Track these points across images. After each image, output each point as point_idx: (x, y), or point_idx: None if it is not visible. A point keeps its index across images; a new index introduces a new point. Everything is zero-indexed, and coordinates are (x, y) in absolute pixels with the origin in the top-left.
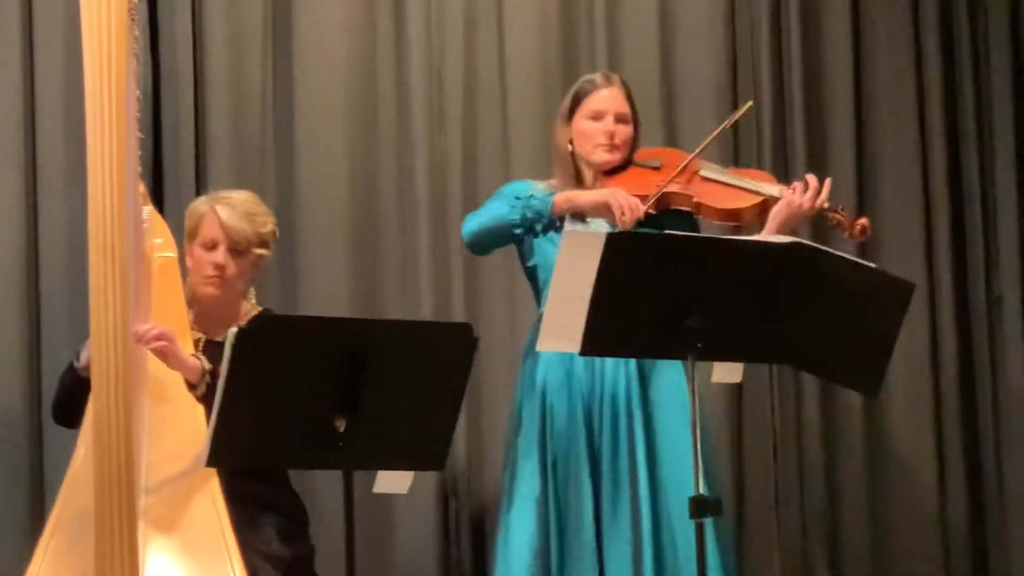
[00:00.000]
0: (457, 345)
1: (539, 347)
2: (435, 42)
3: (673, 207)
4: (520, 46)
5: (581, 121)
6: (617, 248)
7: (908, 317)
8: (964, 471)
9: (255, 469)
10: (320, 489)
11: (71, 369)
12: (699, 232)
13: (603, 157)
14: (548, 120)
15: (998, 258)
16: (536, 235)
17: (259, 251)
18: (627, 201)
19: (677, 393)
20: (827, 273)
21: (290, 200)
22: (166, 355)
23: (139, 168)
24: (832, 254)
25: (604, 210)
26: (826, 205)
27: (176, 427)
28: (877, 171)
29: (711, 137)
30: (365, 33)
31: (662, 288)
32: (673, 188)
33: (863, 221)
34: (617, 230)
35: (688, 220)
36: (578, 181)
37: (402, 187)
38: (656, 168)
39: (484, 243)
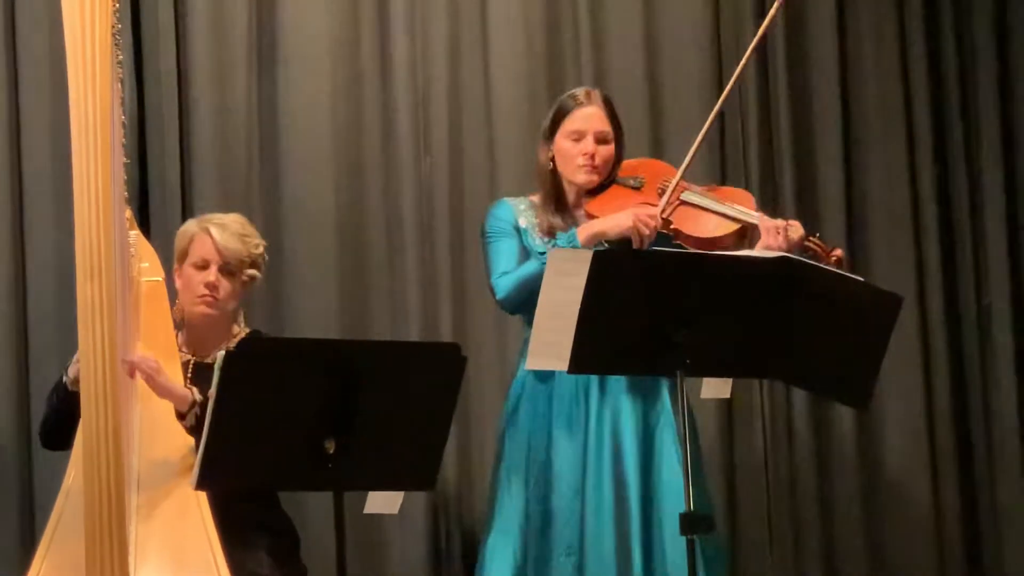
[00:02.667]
0: (446, 365)
1: (527, 366)
2: (420, 64)
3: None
4: (505, 68)
5: (562, 141)
6: (604, 265)
7: (898, 329)
8: (957, 481)
9: (245, 491)
10: (311, 510)
11: (60, 386)
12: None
13: (584, 178)
14: (534, 142)
15: (987, 267)
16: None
17: (250, 272)
18: (646, 217)
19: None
20: (815, 287)
21: (277, 223)
22: (152, 382)
23: (125, 193)
24: (820, 268)
25: (630, 232)
26: (804, 241)
27: (166, 429)
28: (866, 185)
29: (689, 156)
30: (350, 57)
31: (650, 304)
32: (663, 213)
33: (838, 252)
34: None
35: (667, 240)
36: (558, 198)
37: (389, 209)
38: (637, 188)
39: (522, 303)
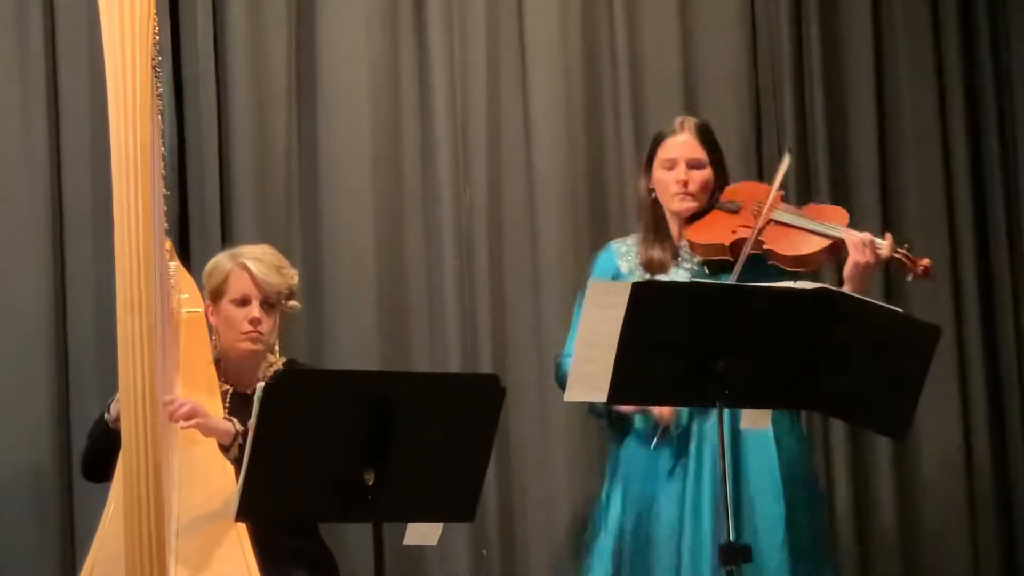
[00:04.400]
0: (485, 397)
1: (567, 397)
2: (459, 95)
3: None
4: (543, 98)
5: (658, 171)
6: (643, 296)
7: (936, 359)
8: (994, 513)
9: (285, 522)
10: (350, 541)
11: (101, 422)
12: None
13: (680, 205)
14: (572, 171)
15: None
16: None
17: (291, 303)
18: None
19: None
20: (853, 318)
21: (317, 254)
22: (200, 429)
23: (165, 224)
24: (858, 299)
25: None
26: (893, 253)
27: (204, 472)
28: (902, 210)
29: (777, 181)
30: (389, 88)
31: (689, 335)
32: (743, 235)
33: (925, 262)
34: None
35: (762, 260)
36: (659, 229)
37: (429, 240)
38: (735, 212)
39: None
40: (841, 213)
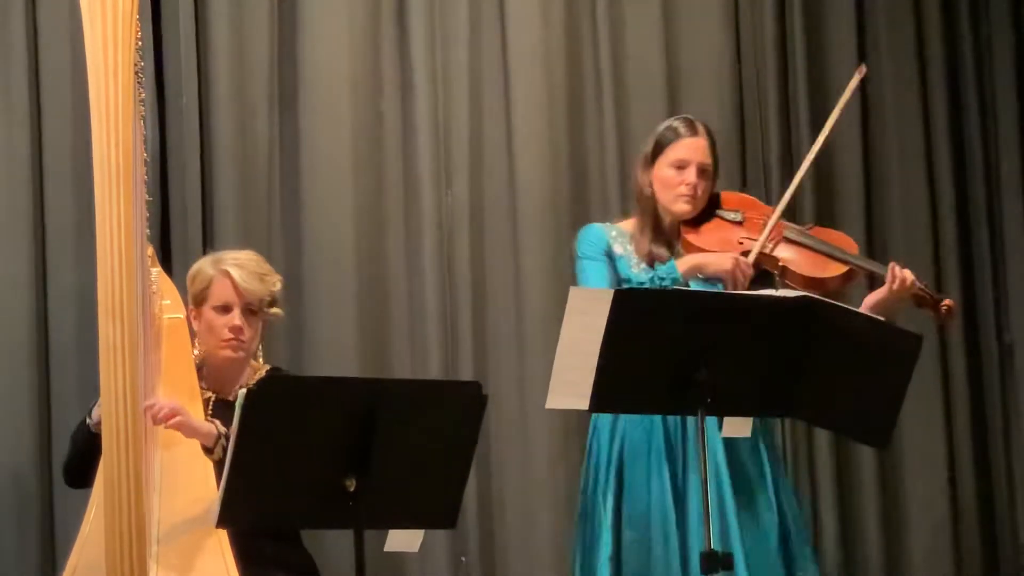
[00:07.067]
0: (466, 403)
1: (548, 405)
2: (441, 101)
3: (759, 267)
4: (526, 104)
5: (663, 168)
6: (625, 304)
7: (919, 367)
8: (977, 523)
9: (266, 529)
10: (331, 548)
11: (83, 427)
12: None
13: (684, 208)
14: (555, 177)
15: (1008, 306)
16: None
17: (273, 310)
18: (746, 268)
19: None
20: (836, 326)
21: (298, 258)
22: (181, 428)
23: (147, 230)
24: (840, 307)
25: (727, 275)
26: (918, 286)
27: (186, 478)
28: (887, 224)
29: (788, 194)
30: (371, 94)
31: (671, 343)
32: (765, 249)
33: (948, 302)
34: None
35: (769, 281)
36: (655, 225)
37: (409, 245)
38: (739, 223)
39: None
40: (850, 241)
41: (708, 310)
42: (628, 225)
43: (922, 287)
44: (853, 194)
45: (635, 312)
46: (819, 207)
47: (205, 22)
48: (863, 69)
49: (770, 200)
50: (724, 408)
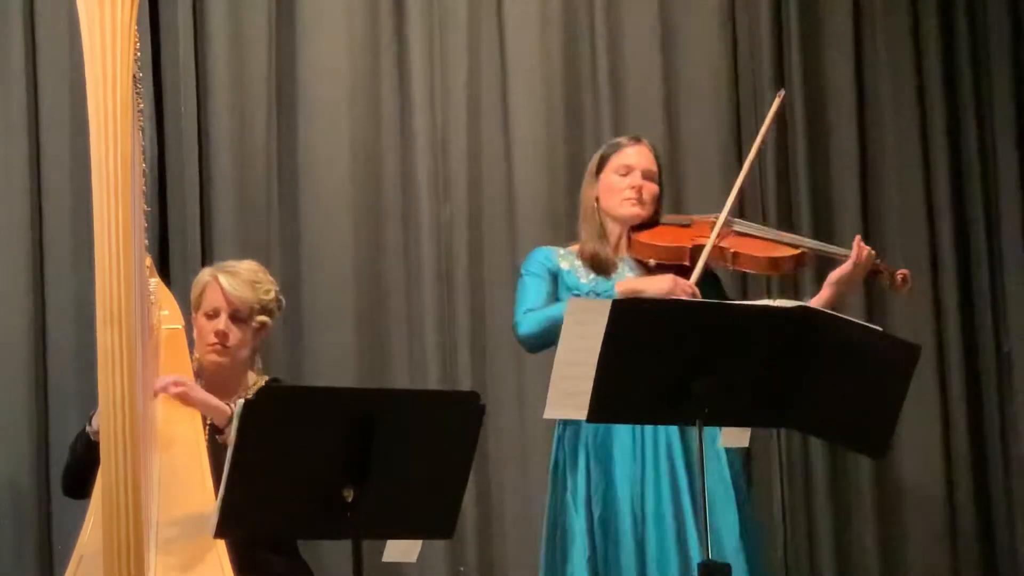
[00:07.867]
0: (465, 413)
1: (546, 415)
2: (439, 111)
3: (708, 266)
4: (524, 114)
5: (608, 176)
6: (623, 314)
7: (917, 377)
8: (975, 534)
9: (264, 539)
10: (329, 558)
11: (83, 436)
12: (725, 296)
13: (630, 210)
14: (553, 188)
15: (1006, 314)
16: None
17: (261, 318)
18: (686, 287)
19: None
20: (833, 336)
21: (296, 270)
22: (188, 397)
23: (145, 240)
24: (837, 317)
25: (667, 296)
26: (876, 260)
27: (184, 487)
28: (883, 231)
29: (735, 190)
30: (369, 102)
31: (668, 354)
32: (702, 243)
33: (903, 272)
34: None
35: (714, 285)
36: (603, 237)
37: (408, 255)
38: (687, 226)
39: (543, 343)
40: (802, 237)
41: (706, 320)
42: (577, 247)
43: (879, 260)
44: (849, 203)
45: (633, 322)
46: (815, 216)
47: (204, 33)
48: (782, 94)
49: (767, 216)
50: (721, 418)
